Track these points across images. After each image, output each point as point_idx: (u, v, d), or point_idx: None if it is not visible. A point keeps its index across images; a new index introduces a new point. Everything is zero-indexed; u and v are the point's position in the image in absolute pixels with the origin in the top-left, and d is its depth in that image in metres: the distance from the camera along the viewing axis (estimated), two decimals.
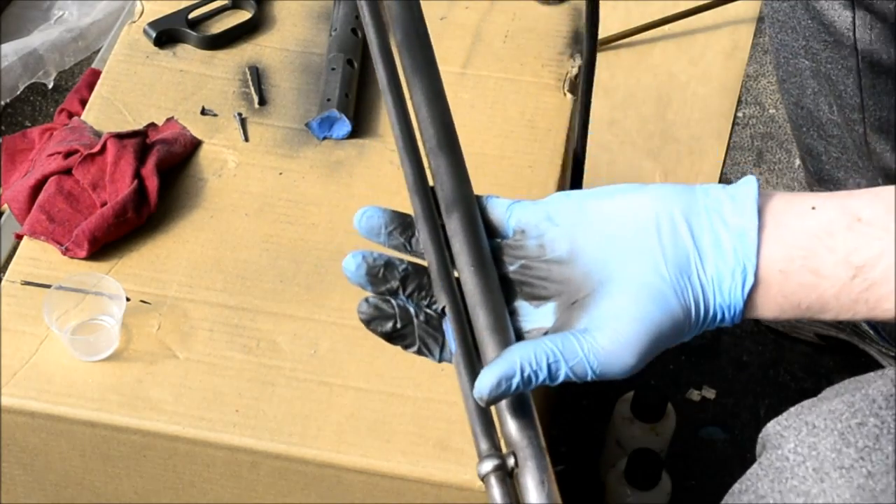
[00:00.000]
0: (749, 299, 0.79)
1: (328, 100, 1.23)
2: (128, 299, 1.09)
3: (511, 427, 0.79)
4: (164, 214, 1.17)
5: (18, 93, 1.82)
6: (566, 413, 1.58)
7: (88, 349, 1.08)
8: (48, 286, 1.10)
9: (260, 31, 1.31)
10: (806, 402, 0.86)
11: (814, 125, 1.41)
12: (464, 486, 1.02)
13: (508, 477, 0.77)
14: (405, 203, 1.17)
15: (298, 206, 1.18)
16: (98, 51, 1.86)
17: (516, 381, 0.77)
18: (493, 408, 0.79)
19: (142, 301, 1.11)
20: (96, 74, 1.31)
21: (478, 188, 1.18)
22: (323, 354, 1.08)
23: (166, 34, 1.29)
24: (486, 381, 0.77)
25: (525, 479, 0.77)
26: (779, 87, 1.44)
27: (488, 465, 0.77)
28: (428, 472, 1.02)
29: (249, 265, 1.14)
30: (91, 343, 1.09)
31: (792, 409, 0.86)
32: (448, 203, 0.85)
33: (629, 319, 0.78)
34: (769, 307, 0.80)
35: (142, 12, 1.32)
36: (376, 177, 1.20)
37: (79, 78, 1.47)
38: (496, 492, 0.76)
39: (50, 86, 1.84)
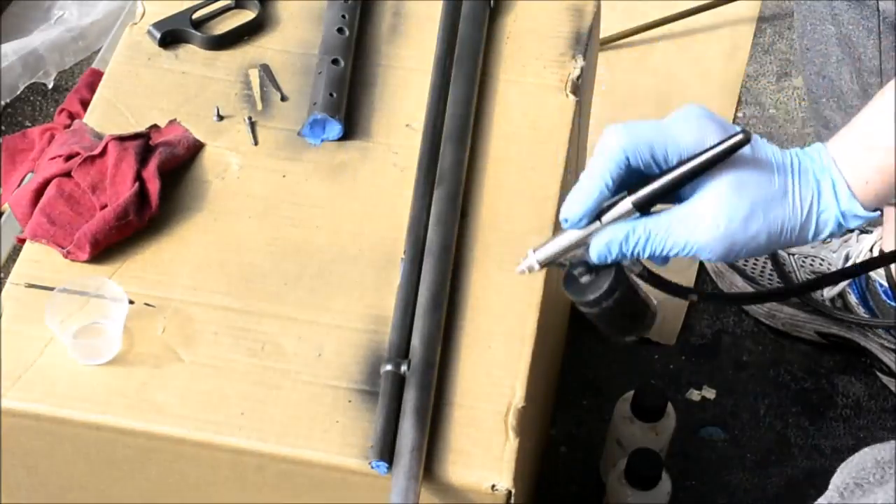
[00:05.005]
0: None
1: (314, 104, 1.22)
2: (131, 302, 1.09)
3: (415, 340, 1.07)
4: (168, 217, 1.17)
5: (18, 93, 1.82)
6: (566, 413, 1.58)
7: (90, 353, 1.08)
8: (52, 289, 1.10)
9: (264, 31, 1.31)
10: None
11: (833, 95, 1.41)
12: (471, 487, 1.02)
13: (399, 377, 1.05)
14: (407, 204, 1.17)
15: (302, 209, 1.17)
16: (98, 51, 1.86)
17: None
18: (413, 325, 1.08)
19: (146, 304, 1.11)
20: (96, 74, 1.30)
21: (479, 190, 1.19)
22: (328, 357, 1.08)
23: (171, 34, 1.29)
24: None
25: (408, 381, 1.05)
26: (800, 57, 1.43)
27: (388, 366, 1.06)
28: (434, 474, 1.03)
29: (254, 268, 1.14)
30: (93, 347, 1.08)
31: None
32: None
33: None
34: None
35: (143, 14, 1.31)
36: (380, 179, 1.20)
37: (79, 78, 1.47)
38: (383, 384, 1.05)
39: (50, 86, 1.84)
